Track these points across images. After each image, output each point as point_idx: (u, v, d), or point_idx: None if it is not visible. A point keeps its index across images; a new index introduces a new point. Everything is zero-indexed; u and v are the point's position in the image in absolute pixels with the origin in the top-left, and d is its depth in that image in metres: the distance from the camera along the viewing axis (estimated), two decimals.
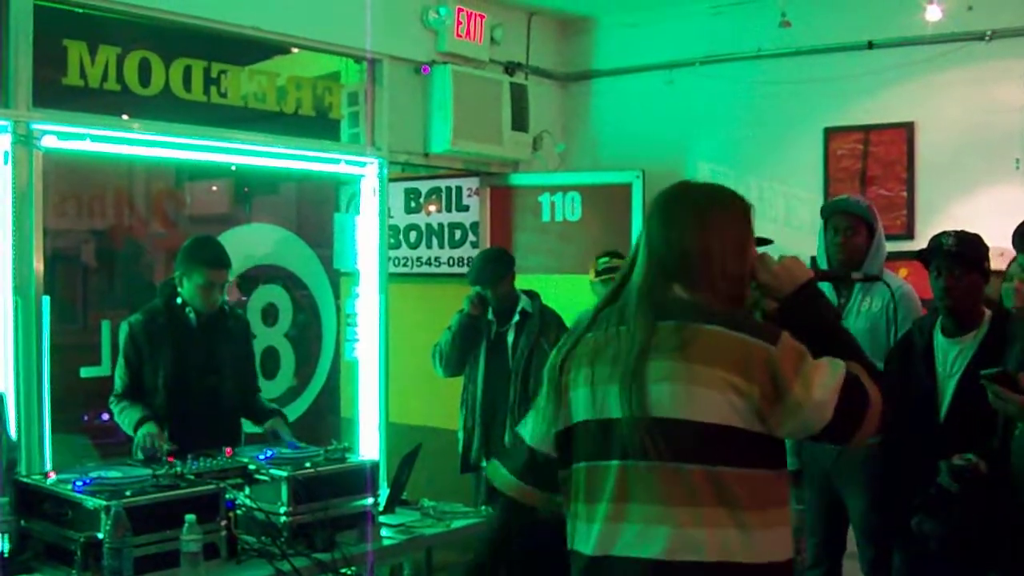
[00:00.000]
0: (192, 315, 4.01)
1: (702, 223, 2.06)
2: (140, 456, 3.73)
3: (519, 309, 4.74)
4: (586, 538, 2.06)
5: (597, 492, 2.05)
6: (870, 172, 5.36)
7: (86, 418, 5.11)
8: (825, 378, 1.96)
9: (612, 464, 2.01)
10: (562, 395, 2.10)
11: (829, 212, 4.12)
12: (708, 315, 1.99)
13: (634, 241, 2.16)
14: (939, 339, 3.48)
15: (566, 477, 2.13)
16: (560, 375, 2.11)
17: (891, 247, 4.26)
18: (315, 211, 6.23)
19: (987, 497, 3.15)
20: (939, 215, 4.97)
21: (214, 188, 6.35)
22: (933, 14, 4.96)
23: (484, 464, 4.63)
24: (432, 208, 6.14)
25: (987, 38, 5.02)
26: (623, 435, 1.98)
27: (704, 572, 1.93)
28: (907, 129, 5.26)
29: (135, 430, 3.82)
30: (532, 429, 2.21)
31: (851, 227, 3.98)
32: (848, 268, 3.94)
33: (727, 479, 1.94)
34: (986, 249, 3.45)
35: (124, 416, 3.90)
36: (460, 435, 4.88)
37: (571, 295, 5.42)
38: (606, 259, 5.04)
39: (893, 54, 5.23)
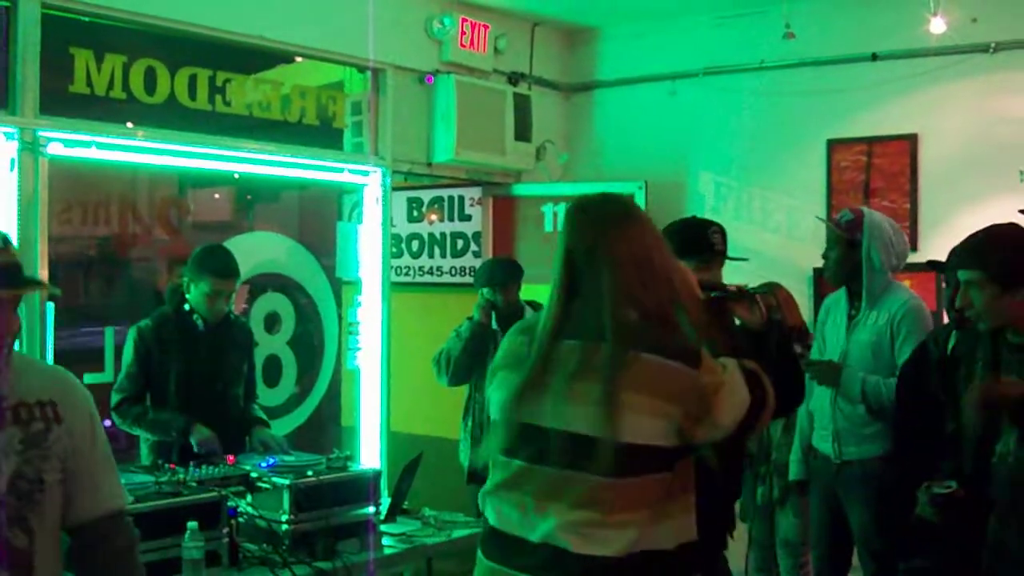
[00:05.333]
0: (199, 321, 4.02)
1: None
2: (201, 451, 3.76)
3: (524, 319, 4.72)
4: None
5: None
6: (873, 184, 5.36)
7: None
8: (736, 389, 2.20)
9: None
10: None
11: None
12: None
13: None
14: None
15: None
16: None
17: None
18: (318, 220, 6.23)
19: (968, 524, 3.10)
20: (942, 227, 4.96)
21: (217, 196, 6.36)
22: (937, 26, 4.96)
23: None
24: (434, 217, 6.15)
25: (991, 50, 5.02)
26: None
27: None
28: (910, 141, 5.26)
29: (184, 429, 3.83)
30: None
31: (827, 243, 4.02)
32: (831, 284, 4.08)
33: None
34: None
35: (154, 417, 3.91)
36: (465, 445, 4.87)
37: None
38: None
39: (897, 66, 5.23)
